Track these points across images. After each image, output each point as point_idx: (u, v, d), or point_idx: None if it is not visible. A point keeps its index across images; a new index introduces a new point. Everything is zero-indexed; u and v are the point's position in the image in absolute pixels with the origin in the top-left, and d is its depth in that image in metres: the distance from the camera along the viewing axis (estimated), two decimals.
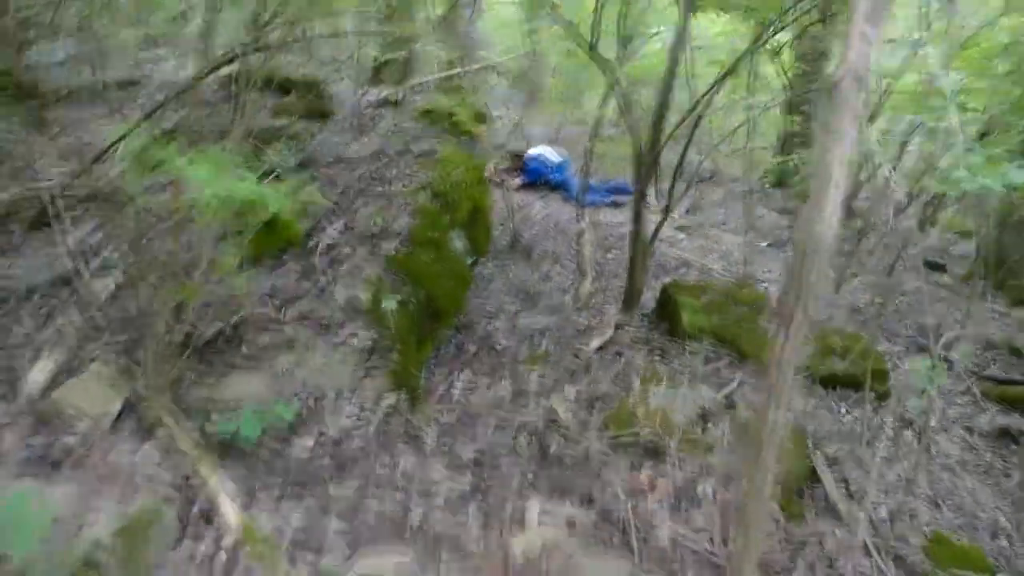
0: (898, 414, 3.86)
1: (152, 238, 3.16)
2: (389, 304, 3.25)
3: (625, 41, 6.24)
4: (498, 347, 4.01)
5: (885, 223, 7.54)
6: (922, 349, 5.46)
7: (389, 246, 3.68)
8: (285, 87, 5.60)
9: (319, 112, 5.48)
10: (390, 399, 2.82)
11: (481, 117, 7.22)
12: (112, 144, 2.15)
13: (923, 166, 7.77)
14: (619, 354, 3.98)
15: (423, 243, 3.85)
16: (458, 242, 5.10)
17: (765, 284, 6.35)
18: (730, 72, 4.23)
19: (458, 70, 7.01)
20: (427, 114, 6.24)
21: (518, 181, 7.77)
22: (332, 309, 3.12)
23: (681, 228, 7.29)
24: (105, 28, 5.88)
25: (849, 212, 7.75)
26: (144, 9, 6.43)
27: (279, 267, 3.34)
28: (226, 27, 5.49)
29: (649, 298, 4.88)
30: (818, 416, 3.54)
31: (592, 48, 4.40)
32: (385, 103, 6.44)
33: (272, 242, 3.37)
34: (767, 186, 9.92)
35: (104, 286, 2.82)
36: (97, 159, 3.27)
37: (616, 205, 7.83)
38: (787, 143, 9.80)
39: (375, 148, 4.85)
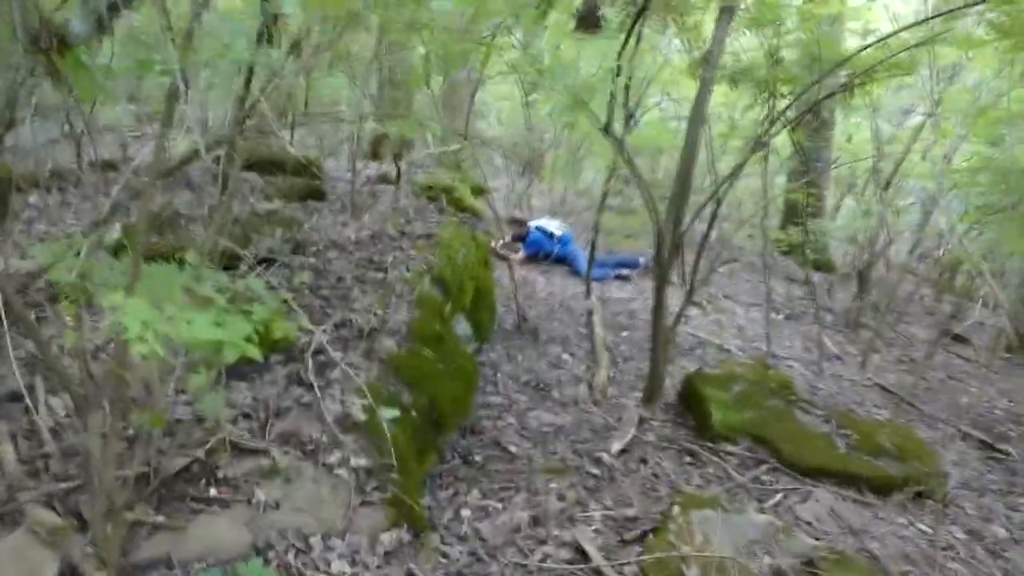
0: (964, 524, 3.39)
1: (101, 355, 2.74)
2: (388, 416, 2.82)
3: (629, 114, 5.97)
4: (509, 453, 3.55)
5: (904, 295, 7.16)
6: (966, 436, 5.01)
7: (388, 344, 3.26)
8: (277, 165, 5.27)
9: (313, 193, 5.14)
10: (389, 538, 2.35)
11: (480, 190, 6.92)
12: (48, 266, 1.78)
13: (938, 237, 7.45)
14: (644, 460, 3.52)
15: (425, 338, 3.43)
16: (461, 329, 4.69)
17: (789, 362, 5.93)
18: (755, 150, 3.90)
19: (456, 145, 6.74)
20: (426, 190, 5.91)
21: (521, 255, 7.41)
22: (322, 425, 2.67)
23: (693, 303, 6.90)
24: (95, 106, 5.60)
25: (863, 283, 7.39)
26: (137, 87, 6.17)
27: (264, 374, 2.91)
28: (216, 106, 5.19)
29: (669, 384, 4.45)
30: (880, 534, 3.06)
31: (607, 128, 4.07)
32: (383, 180, 6.13)
33: (256, 347, 2.95)
34: (775, 254, 9.59)
35: (49, 413, 2.38)
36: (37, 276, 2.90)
37: (622, 279, 7.45)
38: (792, 211, 9.52)
39: (372, 231, 4.49)
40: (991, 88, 6.35)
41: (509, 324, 5.66)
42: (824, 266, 9.41)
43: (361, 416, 2.75)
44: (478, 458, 3.46)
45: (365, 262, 4.03)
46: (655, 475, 3.40)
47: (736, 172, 3.79)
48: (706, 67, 3.71)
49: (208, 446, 2.38)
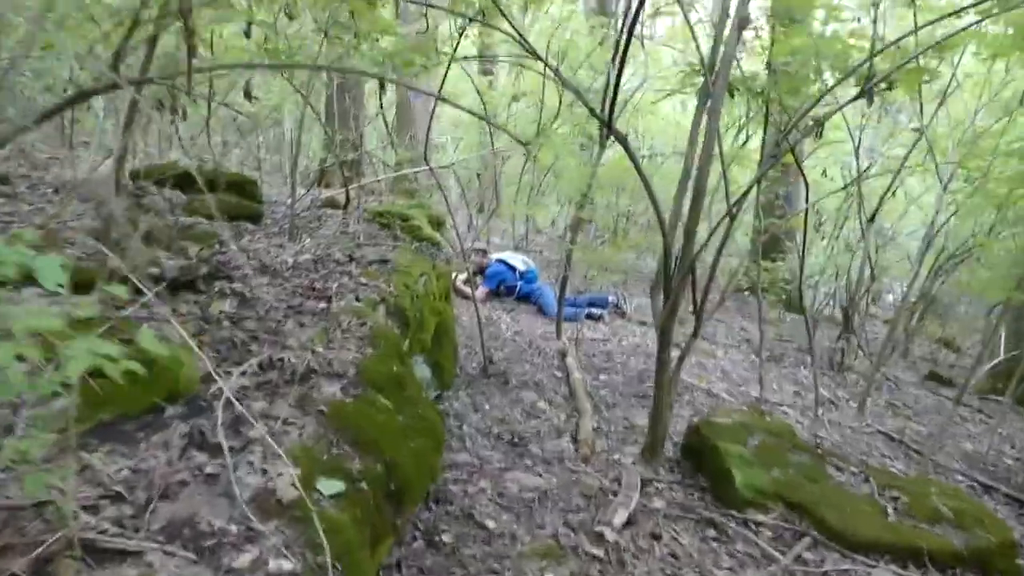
0: None
1: None
2: (330, 491, 2.00)
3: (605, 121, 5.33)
4: (486, 529, 2.73)
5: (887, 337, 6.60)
6: (988, 489, 4.37)
7: (330, 390, 2.43)
8: (205, 183, 4.44)
9: (247, 214, 4.30)
10: None
11: (439, 222, 6.17)
12: None
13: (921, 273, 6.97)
14: (656, 536, 2.74)
15: (381, 383, 2.61)
16: (421, 372, 3.87)
17: (783, 408, 5.26)
18: (770, 165, 3.24)
19: (411, 170, 6.00)
20: (379, 216, 5.13)
21: (483, 289, 6.66)
22: (231, 509, 1.83)
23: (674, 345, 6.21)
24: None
25: (847, 323, 6.83)
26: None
27: (150, 434, 2.05)
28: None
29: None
30: None
31: (609, 123, 3.38)
32: (330, 204, 5.33)
33: (142, 394, 2.10)
34: (743, 292, 9.04)
35: None
36: None
37: (592, 318, 6.74)
38: (762, 249, 9.01)
39: (314, 255, 3.67)
40: (979, 118, 5.94)
41: (474, 367, 4.86)
42: (795, 307, 8.88)
43: (289, 493, 1.91)
44: (447, 537, 2.63)
45: (304, 290, 3.21)
46: (673, 555, 2.62)
47: (753, 185, 3.13)
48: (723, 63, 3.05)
49: (42, 549, 1.52)
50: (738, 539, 2.75)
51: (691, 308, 3.35)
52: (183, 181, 4.39)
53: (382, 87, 5.61)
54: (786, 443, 3.31)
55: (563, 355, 5.22)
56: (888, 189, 6.28)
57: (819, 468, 3.12)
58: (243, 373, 2.39)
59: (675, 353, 5.24)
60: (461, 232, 7.81)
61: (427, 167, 4.88)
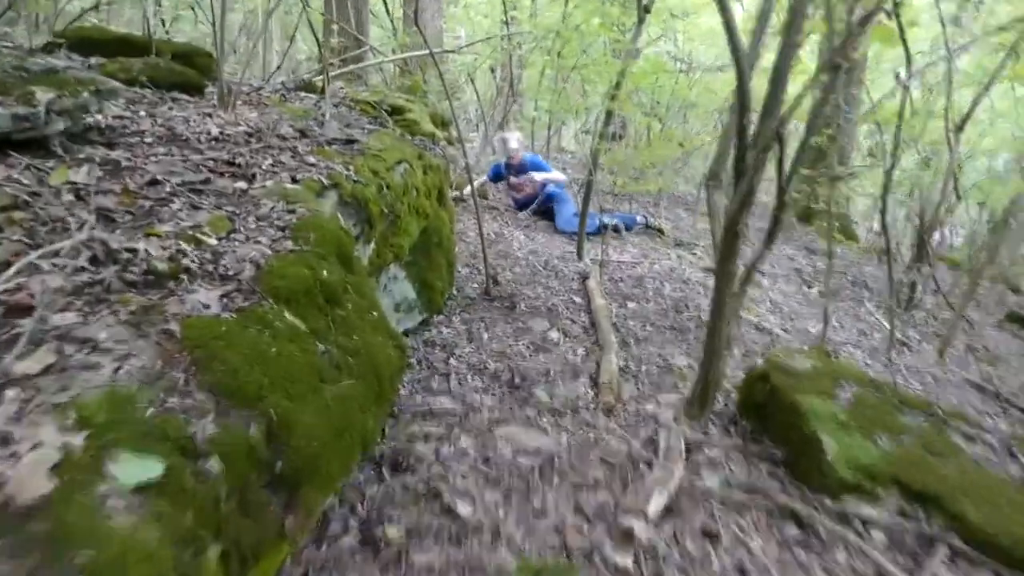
0: None
1: None
2: (132, 477, 1.04)
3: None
4: (454, 520, 1.78)
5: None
6: None
7: (197, 302, 1.46)
8: (138, 50, 3.42)
9: (184, 83, 3.27)
10: None
11: (443, 121, 5.09)
12: None
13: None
14: (712, 535, 1.77)
15: (291, 294, 1.63)
16: (397, 289, 2.89)
17: (847, 349, 4.24)
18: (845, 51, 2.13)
19: (411, 54, 4.89)
20: (365, 105, 4.08)
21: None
22: None
23: (710, 269, 5.17)
24: None
25: (921, 253, 5.70)
26: None
27: None
28: None
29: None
30: None
31: None
32: (306, 88, 4.27)
33: None
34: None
35: None
36: None
37: (615, 231, 5.69)
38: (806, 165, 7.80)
39: (251, 127, 2.66)
40: None
41: (474, 288, 3.88)
42: (849, 235, 7.73)
43: (33, 486, 0.96)
44: (395, 531, 1.68)
45: (218, 164, 2.21)
46: (741, 570, 1.65)
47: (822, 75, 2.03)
48: None
49: None
50: (836, 543, 1.78)
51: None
52: (120, 48, 3.40)
53: None
54: (890, 397, 2.30)
55: (584, 278, 4.21)
56: (983, 91, 5.06)
57: (943, 437, 2.12)
58: (55, 266, 1.42)
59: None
60: (475, 153, 6.77)
61: (428, 51, 3.79)
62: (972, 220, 7.23)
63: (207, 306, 1.45)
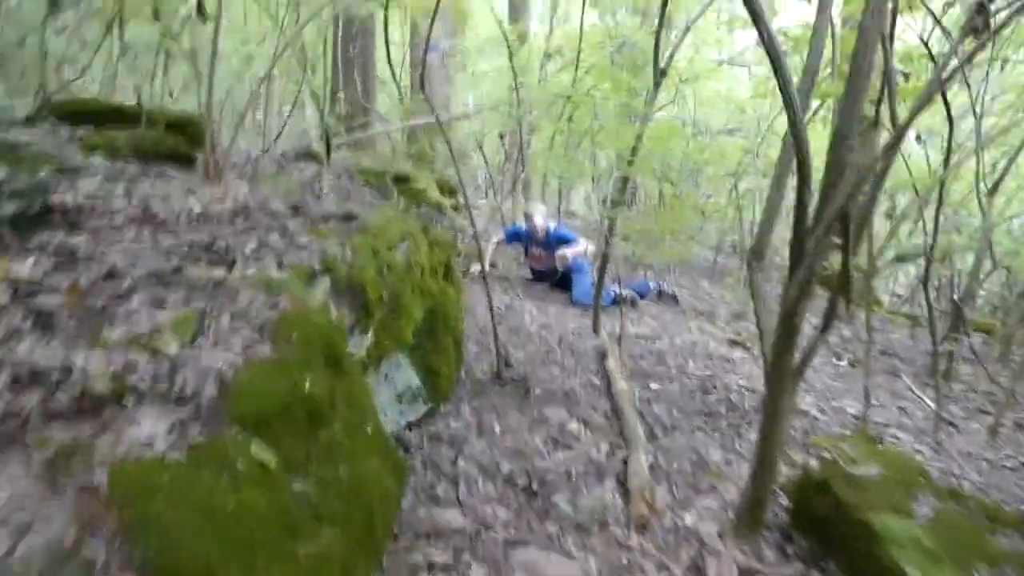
0: None
1: None
2: None
3: (660, 70, 3.95)
4: None
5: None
6: None
7: (139, 435, 1.14)
8: (128, 119, 3.20)
9: (175, 154, 3.03)
10: None
11: (452, 190, 4.87)
12: None
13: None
14: None
15: (264, 416, 1.31)
16: (400, 378, 2.58)
17: (891, 432, 3.88)
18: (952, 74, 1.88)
19: (417, 120, 4.69)
20: (369, 174, 3.84)
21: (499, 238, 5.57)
22: None
23: (735, 342, 4.84)
24: None
25: (958, 321, 5.36)
26: None
27: None
28: None
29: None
30: None
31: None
32: (308, 157, 4.04)
33: None
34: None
35: None
36: None
37: (629, 304, 5.38)
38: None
39: (238, 204, 2.39)
40: None
41: (484, 370, 3.55)
42: (870, 302, 7.38)
43: None
44: None
45: (194, 249, 1.93)
46: None
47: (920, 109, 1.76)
48: None
49: None
50: None
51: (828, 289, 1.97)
52: (112, 119, 3.18)
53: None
54: (976, 513, 1.94)
55: (602, 356, 3.89)
56: (1015, 153, 4.81)
57: None
58: None
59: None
60: (483, 218, 6.54)
61: (434, 118, 3.57)
62: (1000, 283, 6.89)
63: (150, 443, 1.14)
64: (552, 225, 5.73)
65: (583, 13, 5.79)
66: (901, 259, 3.21)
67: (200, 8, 3.61)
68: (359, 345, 2.18)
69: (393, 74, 4.60)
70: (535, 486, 2.38)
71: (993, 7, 1.75)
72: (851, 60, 1.55)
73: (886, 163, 1.64)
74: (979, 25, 1.78)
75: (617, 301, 5.33)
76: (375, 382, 2.55)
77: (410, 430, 2.79)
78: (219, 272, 1.83)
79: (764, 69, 7.42)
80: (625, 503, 2.30)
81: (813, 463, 2.24)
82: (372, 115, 5.68)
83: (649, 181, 5.56)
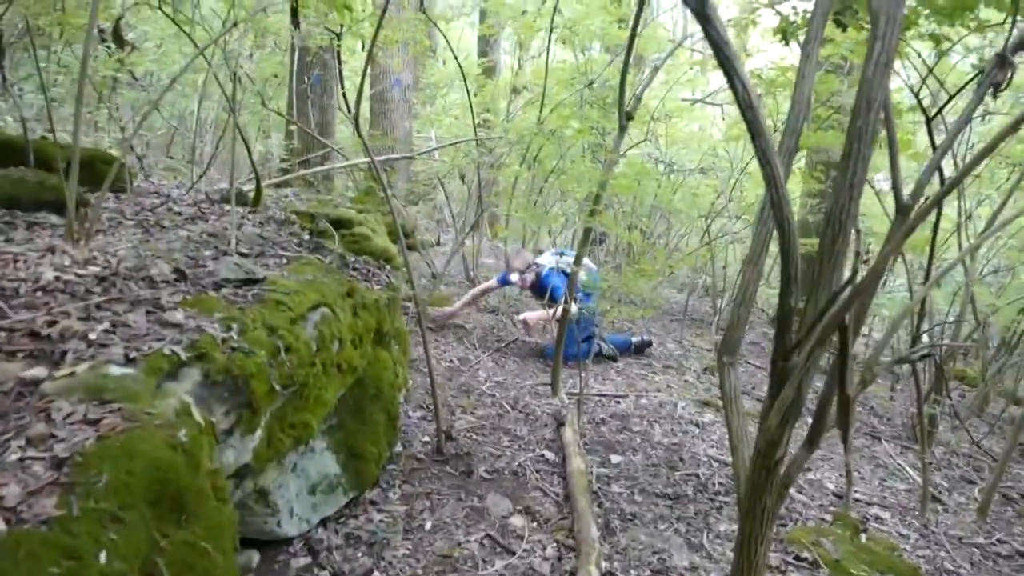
0: None
1: None
2: None
3: (627, 113, 3.60)
4: None
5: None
6: None
7: None
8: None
9: (60, 201, 2.59)
10: None
11: (407, 232, 4.47)
12: None
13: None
14: None
15: None
16: (318, 465, 2.15)
17: (873, 511, 3.52)
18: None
19: (371, 159, 4.25)
20: (306, 219, 3.44)
21: (537, 314, 4.86)
22: None
23: (706, 403, 4.44)
24: None
25: (940, 381, 5.02)
26: None
27: None
28: None
29: None
30: None
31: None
32: (236, 201, 3.61)
33: None
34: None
35: None
36: None
37: (609, 358, 4.99)
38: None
39: (108, 268, 1.95)
40: None
41: (423, 443, 3.12)
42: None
43: None
44: None
45: (15, 337, 1.49)
46: None
47: (992, 148, 1.39)
48: None
49: None
50: None
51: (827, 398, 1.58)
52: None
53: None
54: None
55: (559, 424, 3.47)
56: (999, 208, 4.53)
57: None
58: None
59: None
60: (446, 257, 6.14)
61: (396, 156, 3.16)
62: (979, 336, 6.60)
63: None
64: (547, 263, 4.97)
65: (548, 48, 5.45)
66: (902, 362, 2.84)
67: (117, 35, 3.21)
68: (241, 451, 1.75)
69: (347, 107, 4.18)
70: None
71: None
72: (850, 122, 1.18)
73: (897, 253, 1.26)
74: (1001, 80, 1.43)
75: (602, 354, 4.89)
76: (276, 478, 2.11)
77: (324, 527, 2.35)
78: (37, 371, 1.40)
79: (737, 110, 7.16)
80: None
81: None
82: (328, 149, 5.27)
83: (614, 231, 5.18)
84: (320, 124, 5.96)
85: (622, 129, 3.60)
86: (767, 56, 5.60)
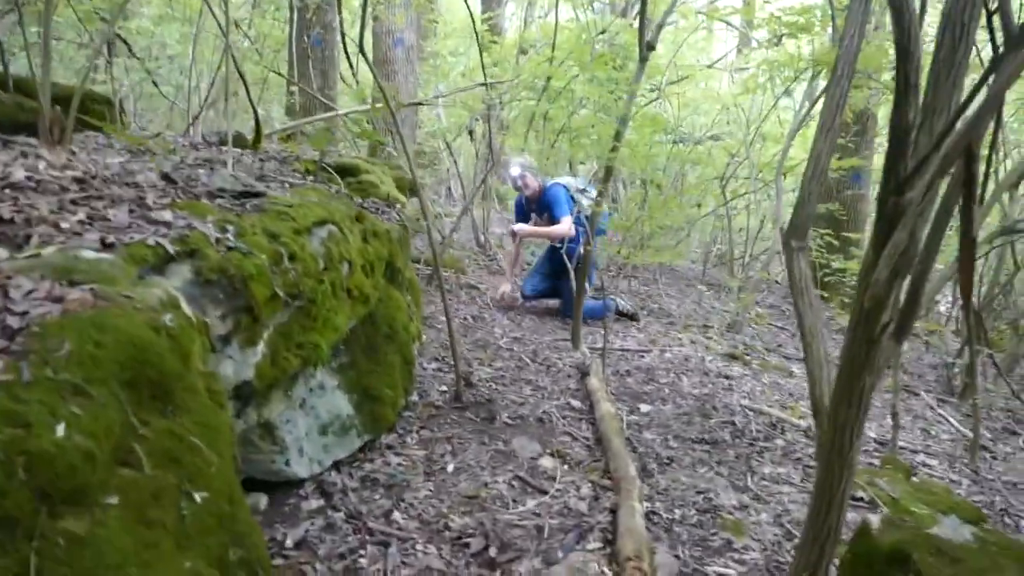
0: None
1: None
2: None
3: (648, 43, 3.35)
4: None
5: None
6: None
7: None
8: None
9: (21, 123, 2.36)
10: None
11: (413, 188, 4.23)
12: None
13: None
14: None
15: None
16: (328, 403, 1.93)
17: (920, 458, 3.29)
18: None
19: (360, 108, 4.00)
20: (310, 164, 3.20)
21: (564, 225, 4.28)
22: None
23: (732, 356, 4.21)
24: None
25: (978, 330, 4.78)
26: None
27: None
28: None
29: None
30: None
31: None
32: (234, 144, 3.37)
33: None
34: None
35: None
36: None
37: (633, 318, 4.74)
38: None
39: (91, 171, 1.73)
40: None
41: (442, 391, 2.90)
42: None
43: None
44: None
45: None
46: None
47: None
48: None
49: None
50: None
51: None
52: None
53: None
54: None
55: (584, 374, 3.24)
56: None
57: None
58: None
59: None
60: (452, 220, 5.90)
61: (402, 102, 2.91)
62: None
63: None
64: (546, 181, 4.57)
65: (557, 6, 5.21)
66: (1008, 232, 2.55)
67: None
68: (242, 364, 1.53)
69: (350, 64, 3.95)
70: (493, 551, 1.72)
71: None
72: None
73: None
74: None
75: (620, 312, 4.62)
76: (283, 412, 1.89)
77: (337, 470, 2.13)
78: None
79: (746, 73, 6.88)
80: (616, 575, 1.65)
81: (872, 519, 1.60)
82: (332, 112, 5.04)
83: (636, 173, 4.92)
84: (323, 86, 5.73)
85: (642, 60, 3.36)
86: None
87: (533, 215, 4.62)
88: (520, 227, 4.47)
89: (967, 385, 4.47)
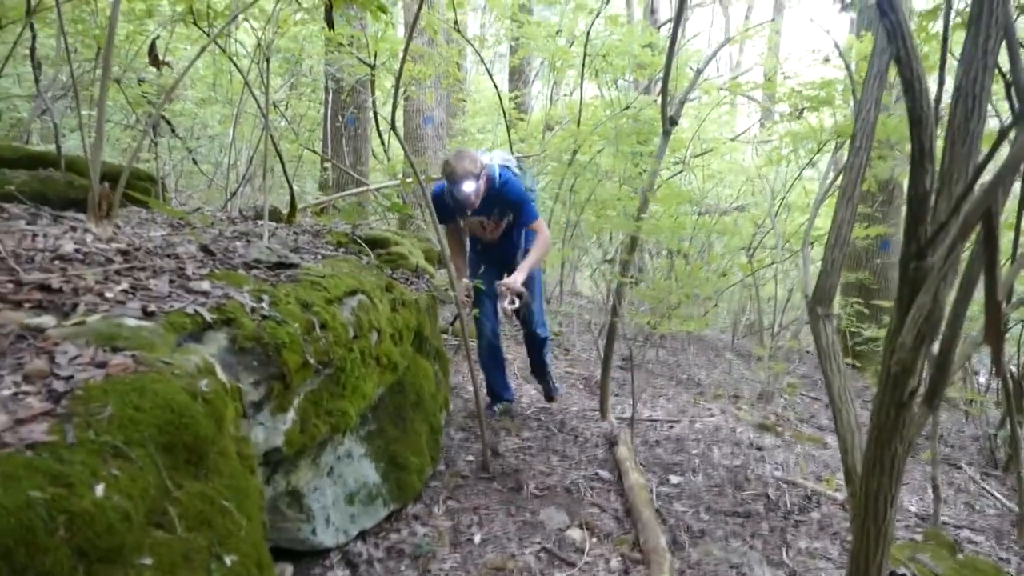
0: None
1: None
2: None
3: (671, 119, 3.45)
4: None
5: None
6: None
7: None
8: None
9: (52, 194, 2.49)
10: None
11: (439, 257, 4.31)
12: None
13: None
14: None
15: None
16: (356, 472, 1.94)
17: (964, 534, 3.15)
18: None
19: (400, 179, 4.13)
20: (341, 236, 3.30)
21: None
22: None
23: (764, 426, 4.13)
24: None
25: (1018, 399, 4.64)
26: None
27: None
28: None
29: None
30: None
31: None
32: (270, 216, 3.50)
33: None
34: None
35: None
36: None
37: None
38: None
39: (132, 244, 1.81)
40: None
41: (469, 461, 2.88)
42: None
43: None
44: None
45: (25, 290, 1.33)
46: None
47: None
48: None
49: None
50: None
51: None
52: (28, 166, 2.68)
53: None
54: None
55: (612, 444, 3.20)
56: None
57: None
58: None
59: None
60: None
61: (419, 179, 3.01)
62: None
63: None
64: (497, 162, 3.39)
65: (581, 83, 5.40)
66: None
67: (152, 56, 3.18)
68: (272, 431, 1.55)
69: (382, 140, 4.10)
70: None
71: None
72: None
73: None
74: None
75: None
76: (311, 480, 1.89)
77: (363, 540, 2.11)
78: (44, 319, 1.23)
79: (770, 145, 6.98)
80: None
81: None
82: (364, 188, 5.20)
83: (662, 243, 4.96)
84: (355, 163, 5.93)
85: (666, 135, 3.45)
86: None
87: (479, 217, 3.42)
88: (514, 279, 3.22)
89: (1010, 457, 4.30)
